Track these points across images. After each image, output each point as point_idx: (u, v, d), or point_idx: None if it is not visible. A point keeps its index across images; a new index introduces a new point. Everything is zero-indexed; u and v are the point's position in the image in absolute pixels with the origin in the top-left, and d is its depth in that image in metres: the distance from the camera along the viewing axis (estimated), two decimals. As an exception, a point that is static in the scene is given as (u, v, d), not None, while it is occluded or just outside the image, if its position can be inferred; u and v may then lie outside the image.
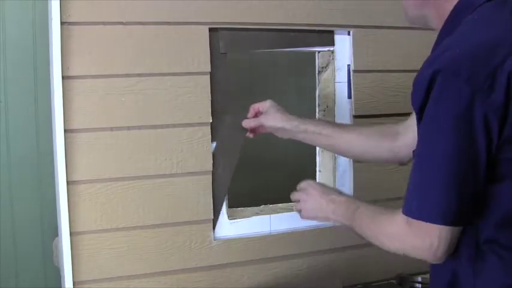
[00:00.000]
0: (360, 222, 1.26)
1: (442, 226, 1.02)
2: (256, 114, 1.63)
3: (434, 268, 1.15)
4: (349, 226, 1.29)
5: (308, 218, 1.44)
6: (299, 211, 1.46)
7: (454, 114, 0.99)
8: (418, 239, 1.05)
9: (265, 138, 2.79)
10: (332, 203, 1.34)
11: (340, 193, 1.39)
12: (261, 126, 1.62)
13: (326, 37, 1.80)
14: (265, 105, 1.61)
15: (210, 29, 1.64)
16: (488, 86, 0.97)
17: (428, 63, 1.04)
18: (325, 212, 1.36)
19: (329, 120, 1.73)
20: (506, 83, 0.97)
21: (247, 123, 1.63)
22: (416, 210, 1.05)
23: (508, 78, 0.98)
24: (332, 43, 1.81)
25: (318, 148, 1.90)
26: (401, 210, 1.09)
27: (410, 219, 1.05)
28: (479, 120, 0.98)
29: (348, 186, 1.84)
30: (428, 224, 1.02)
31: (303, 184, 1.45)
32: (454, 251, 1.06)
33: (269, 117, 1.59)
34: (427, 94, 1.01)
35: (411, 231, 1.06)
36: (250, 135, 1.67)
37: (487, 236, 1.04)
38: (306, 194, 1.42)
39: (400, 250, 1.12)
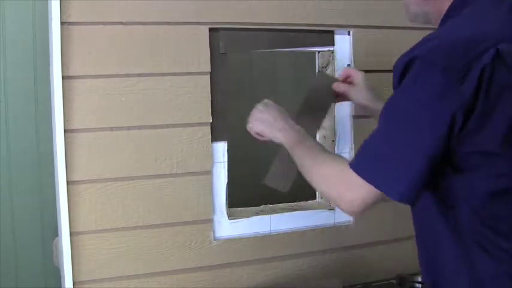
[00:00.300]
0: (303, 153, 1.30)
1: (375, 189, 1.07)
2: (346, 79, 1.59)
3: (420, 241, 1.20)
4: (290, 152, 1.33)
5: (257, 128, 1.44)
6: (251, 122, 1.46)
7: (423, 99, 1.03)
8: (348, 191, 1.11)
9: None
10: (286, 123, 1.38)
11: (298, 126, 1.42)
12: (346, 96, 1.59)
13: (326, 37, 1.80)
14: (357, 76, 1.57)
15: (210, 29, 1.64)
16: (461, 77, 1.00)
17: (409, 50, 1.08)
18: (276, 127, 1.39)
19: None
20: (478, 75, 1.00)
21: (337, 87, 1.58)
22: (366, 170, 1.09)
23: (482, 70, 1.00)
24: (332, 43, 1.81)
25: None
26: (345, 160, 1.16)
27: (349, 172, 1.10)
28: (446, 110, 1.01)
29: (348, 186, 1.84)
30: (366, 184, 1.08)
31: (266, 100, 1.47)
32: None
33: (358, 92, 1.56)
34: (401, 77, 1.06)
35: (346, 182, 1.12)
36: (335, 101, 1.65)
37: (467, 227, 1.07)
38: (266, 106, 1.44)
39: (326, 192, 1.21)
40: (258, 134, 1.44)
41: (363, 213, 1.13)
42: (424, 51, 1.05)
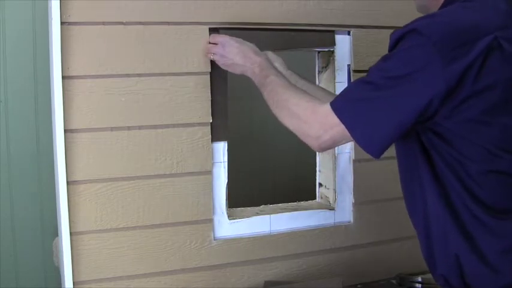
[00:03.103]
0: (271, 87, 1.34)
1: (347, 131, 1.13)
2: None
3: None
4: (259, 84, 1.39)
5: (224, 62, 1.52)
6: (214, 54, 1.54)
7: (410, 68, 1.07)
8: (321, 129, 1.17)
9: (265, 138, 2.80)
10: (255, 55, 1.45)
11: (263, 57, 1.47)
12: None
13: (326, 37, 1.80)
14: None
15: (210, 29, 1.64)
16: (452, 57, 1.04)
17: (409, 23, 1.12)
18: (243, 68, 1.46)
19: (313, 83, 1.76)
20: (470, 60, 1.04)
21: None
22: (344, 112, 1.13)
23: (474, 57, 1.04)
24: (332, 43, 1.81)
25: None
26: (315, 98, 1.23)
27: (323, 110, 1.16)
28: (428, 84, 1.05)
29: (347, 186, 1.84)
30: (339, 124, 1.13)
31: (220, 38, 1.55)
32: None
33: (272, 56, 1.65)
34: (395, 44, 1.12)
35: (318, 119, 1.17)
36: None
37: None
38: (230, 38, 1.52)
39: (293, 125, 1.25)
40: (224, 56, 1.51)
41: (329, 149, 1.22)
42: (421, 24, 1.09)
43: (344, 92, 1.18)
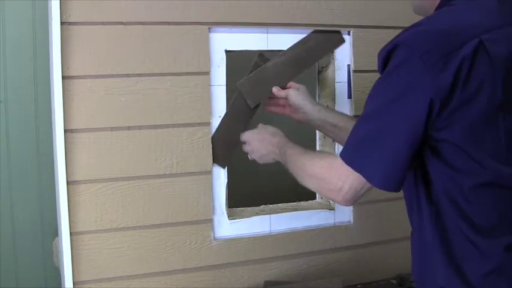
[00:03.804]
0: (292, 158, 1.35)
1: (357, 175, 1.10)
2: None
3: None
4: (283, 163, 1.41)
5: (256, 157, 1.57)
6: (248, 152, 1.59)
7: (404, 85, 1.05)
8: (339, 181, 1.13)
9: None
10: (272, 137, 1.49)
11: (279, 136, 1.50)
12: (287, 101, 1.66)
13: (333, 38, 1.80)
14: (296, 85, 1.68)
15: (210, 29, 1.64)
16: (440, 66, 1.03)
17: (393, 39, 1.10)
18: (270, 155, 1.50)
19: (344, 113, 1.72)
20: (457, 66, 1.02)
21: (277, 90, 1.67)
22: (350, 157, 1.12)
23: (461, 62, 1.02)
24: (341, 40, 1.80)
25: (318, 148, 1.90)
26: (330, 154, 1.25)
27: (337, 162, 1.13)
28: (425, 95, 1.03)
29: (348, 186, 1.84)
30: (352, 171, 1.10)
31: (244, 136, 1.60)
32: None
33: (296, 93, 1.65)
34: (384, 63, 1.09)
35: (334, 172, 1.14)
36: (269, 107, 1.72)
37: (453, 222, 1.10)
38: (252, 133, 1.58)
39: (315, 187, 1.25)
40: (253, 152, 1.57)
41: (356, 201, 1.15)
42: (405, 37, 1.08)
43: (349, 137, 1.14)
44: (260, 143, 1.53)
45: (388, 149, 1.07)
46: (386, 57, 1.09)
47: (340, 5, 1.78)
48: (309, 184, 1.26)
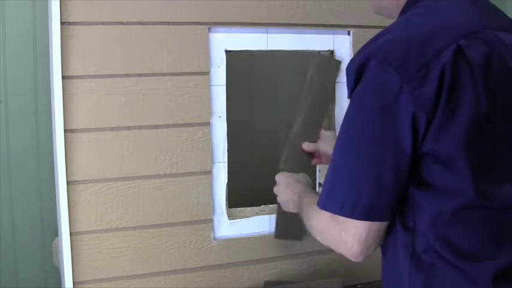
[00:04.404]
0: (304, 212, 1.26)
1: (354, 221, 0.98)
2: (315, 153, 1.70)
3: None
4: (300, 212, 1.30)
5: (278, 200, 1.54)
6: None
7: (381, 102, 0.95)
8: (336, 234, 1.02)
9: (266, 138, 2.80)
10: (296, 182, 1.45)
11: (302, 184, 1.45)
12: (318, 151, 1.67)
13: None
14: (325, 132, 1.68)
15: (210, 29, 1.64)
16: (420, 78, 0.93)
17: (362, 48, 1.02)
18: (290, 203, 1.44)
19: None
20: (439, 75, 0.93)
21: (306, 146, 1.68)
22: (325, 201, 1.02)
23: (442, 70, 0.93)
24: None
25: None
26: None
27: (334, 216, 1.02)
28: (406, 112, 0.93)
29: (348, 186, 1.84)
30: (345, 218, 0.99)
31: (276, 177, 1.56)
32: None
33: (324, 142, 1.64)
34: (357, 79, 0.99)
35: (335, 226, 1.02)
36: (313, 161, 1.72)
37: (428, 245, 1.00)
38: (282, 175, 1.54)
39: (324, 242, 1.11)
40: (277, 194, 1.54)
41: (367, 252, 1.02)
42: (376, 48, 0.98)
43: (325, 180, 1.03)
44: (285, 187, 1.46)
45: (374, 181, 0.96)
46: (358, 72, 0.99)
47: (340, 5, 1.78)
48: (320, 240, 1.12)
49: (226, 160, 1.70)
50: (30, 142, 2.40)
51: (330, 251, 1.75)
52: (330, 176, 1.02)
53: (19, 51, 2.37)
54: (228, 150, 1.70)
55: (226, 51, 1.68)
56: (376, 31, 1.81)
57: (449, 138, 0.95)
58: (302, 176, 1.52)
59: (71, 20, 1.51)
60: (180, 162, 1.63)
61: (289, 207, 1.45)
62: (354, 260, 1.03)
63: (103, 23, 1.54)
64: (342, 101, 1.82)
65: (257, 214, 1.77)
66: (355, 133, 0.99)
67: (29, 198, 2.41)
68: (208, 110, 1.65)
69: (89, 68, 1.54)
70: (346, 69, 1.03)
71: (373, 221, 0.99)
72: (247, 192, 2.06)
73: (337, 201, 1.00)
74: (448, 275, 0.98)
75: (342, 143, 1.01)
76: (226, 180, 1.70)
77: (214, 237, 1.69)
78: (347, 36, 1.82)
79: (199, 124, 1.65)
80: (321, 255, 1.81)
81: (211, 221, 1.68)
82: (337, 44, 1.81)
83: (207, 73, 1.65)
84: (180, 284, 1.65)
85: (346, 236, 1.00)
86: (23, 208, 2.41)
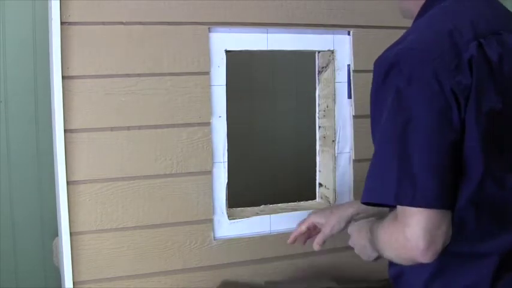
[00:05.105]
0: (372, 239, 1.20)
1: (418, 210, 0.97)
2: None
3: None
4: (375, 249, 1.21)
5: (356, 251, 1.38)
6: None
7: (427, 92, 0.98)
8: (400, 234, 1.00)
9: (266, 138, 2.80)
10: (366, 231, 1.27)
11: (371, 221, 1.30)
12: (313, 224, 1.52)
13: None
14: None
15: (210, 29, 1.64)
16: (455, 67, 0.99)
17: (394, 44, 1.06)
18: (367, 245, 1.28)
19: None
20: (469, 67, 0.99)
21: (297, 231, 1.54)
22: (400, 195, 0.99)
23: (470, 63, 0.99)
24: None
25: (318, 148, 1.90)
26: (390, 215, 1.07)
27: (394, 214, 1.02)
28: (449, 95, 0.98)
29: (348, 186, 1.84)
30: (407, 210, 0.98)
31: (349, 230, 1.41)
32: None
33: (317, 215, 1.52)
34: (386, 76, 1.02)
35: (394, 226, 1.02)
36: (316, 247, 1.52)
37: None
38: (352, 225, 1.40)
39: (394, 253, 1.07)
40: (353, 243, 1.39)
41: (435, 248, 0.99)
42: (410, 44, 1.02)
43: (368, 177, 1.04)
44: (358, 233, 1.35)
45: (428, 168, 0.98)
46: (389, 68, 1.02)
47: (340, 5, 1.78)
48: (390, 255, 1.08)
49: (226, 160, 1.69)
50: (30, 142, 2.40)
51: (330, 251, 1.75)
52: (379, 171, 1.03)
53: (19, 51, 2.37)
54: (228, 150, 1.70)
55: (226, 51, 1.68)
56: (376, 31, 1.83)
57: (470, 130, 1.00)
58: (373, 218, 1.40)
59: (71, 20, 1.51)
60: (180, 162, 1.63)
61: (368, 251, 1.30)
62: (424, 260, 0.99)
63: (103, 23, 1.54)
64: (342, 101, 1.82)
65: (257, 214, 1.77)
66: (402, 122, 0.99)
67: (29, 198, 2.41)
68: (208, 110, 1.65)
69: (89, 68, 1.54)
70: (376, 65, 1.06)
71: (432, 207, 0.98)
72: (247, 192, 2.07)
73: (395, 192, 0.99)
74: (457, 258, 1.03)
75: (387, 135, 1.01)
76: (226, 180, 1.70)
77: (214, 237, 1.69)
78: (347, 36, 1.82)
79: (199, 124, 1.65)
80: (321, 255, 1.81)
81: (211, 221, 1.68)
82: (337, 44, 1.81)
83: (207, 73, 1.65)
84: (180, 284, 1.65)
85: (410, 230, 0.98)
86: (23, 208, 2.41)
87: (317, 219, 1.51)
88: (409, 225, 0.98)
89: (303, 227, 1.52)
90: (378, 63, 1.06)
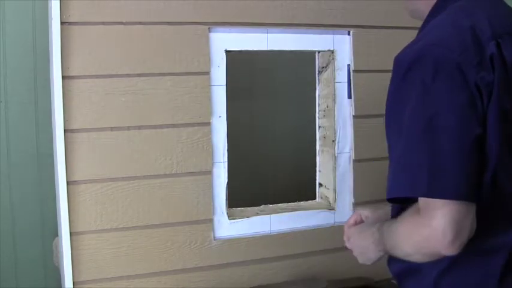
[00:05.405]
0: (385, 238, 1.17)
1: (446, 201, 0.97)
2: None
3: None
4: (384, 252, 1.20)
5: (355, 254, 1.34)
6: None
7: (453, 85, 0.99)
8: (424, 227, 0.99)
9: (265, 138, 2.80)
10: (372, 232, 1.24)
11: (374, 224, 1.28)
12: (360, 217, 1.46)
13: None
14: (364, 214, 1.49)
15: (210, 29, 1.64)
16: (478, 63, 1.00)
17: (412, 42, 1.06)
18: (370, 246, 1.25)
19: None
20: (490, 64, 1.01)
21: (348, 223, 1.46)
22: (424, 187, 0.99)
23: (491, 60, 1.01)
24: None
25: (318, 148, 1.90)
26: (408, 208, 1.06)
27: (416, 208, 1.01)
28: (474, 90, 0.99)
29: (348, 186, 1.84)
30: (433, 203, 0.98)
31: (346, 234, 1.39)
32: None
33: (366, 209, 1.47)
34: (407, 72, 1.02)
35: (418, 219, 1.01)
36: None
37: None
38: (354, 228, 1.37)
39: (415, 248, 1.05)
40: (352, 246, 1.35)
41: (461, 240, 0.97)
42: (433, 41, 1.02)
43: (393, 169, 1.03)
44: (359, 235, 1.32)
45: (455, 161, 0.98)
46: (411, 64, 1.02)
47: (340, 5, 1.78)
48: (409, 250, 1.06)
49: (226, 160, 1.70)
50: (30, 142, 2.40)
51: (330, 251, 1.75)
52: (407, 165, 1.01)
53: (19, 51, 2.37)
54: (228, 150, 1.70)
55: (226, 51, 1.68)
56: (376, 31, 1.83)
57: (491, 127, 1.01)
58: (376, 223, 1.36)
59: (71, 20, 1.51)
60: (180, 162, 1.63)
61: (369, 252, 1.26)
62: (449, 252, 0.98)
63: (103, 23, 1.54)
64: (342, 101, 1.82)
65: (257, 214, 1.77)
66: (428, 116, 0.99)
67: (29, 198, 2.41)
68: (208, 110, 1.65)
69: (89, 68, 1.54)
70: (396, 61, 1.05)
71: (461, 199, 0.98)
72: (247, 192, 2.07)
73: (427, 185, 0.99)
74: (467, 254, 1.01)
75: (414, 129, 1.01)
76: (226, 180, 1.70)
77: (214, 237, 1.69)
78: (347, 36, 1.82)
79: (199, 124, 1.65)
80: (321, 255, 1.81)
81: (211, 221, 1.68)
82: (337, 44, 1.81)
83: (207, 73, 1.65)
84: (180, 284, 1.65)
85: (437, 222, 0.97)
86: (23, 208, 2.41)
87: (365, 212, 1.47)
88: (436, 217, 0.97)
89: (351, 220, 1.45)
90: (399, 59, 1.06)
